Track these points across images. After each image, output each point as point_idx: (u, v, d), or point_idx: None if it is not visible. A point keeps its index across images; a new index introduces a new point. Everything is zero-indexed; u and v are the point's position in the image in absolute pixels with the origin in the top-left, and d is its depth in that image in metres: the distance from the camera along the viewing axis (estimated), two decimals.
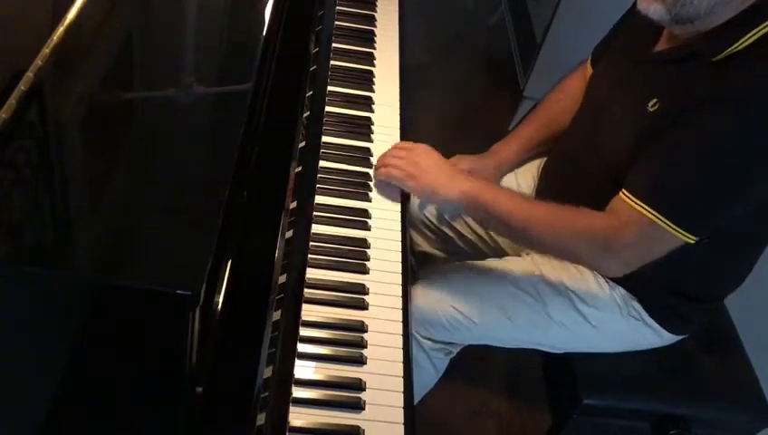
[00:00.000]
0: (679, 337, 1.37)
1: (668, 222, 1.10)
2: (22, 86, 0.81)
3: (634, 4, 1.19)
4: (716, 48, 1.09)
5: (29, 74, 0.82)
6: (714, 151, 1.08)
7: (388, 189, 1.30)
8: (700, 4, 1.07)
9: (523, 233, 1.23)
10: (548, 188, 1.44)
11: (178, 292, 0.68)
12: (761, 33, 1.07)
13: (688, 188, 1.11)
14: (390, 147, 1.34)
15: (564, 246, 1.22)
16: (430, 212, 1.54)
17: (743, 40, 1.07)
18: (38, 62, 0.84)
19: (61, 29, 0.89)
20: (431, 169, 1.26)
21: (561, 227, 1.19)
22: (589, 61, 1.47)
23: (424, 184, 1.26)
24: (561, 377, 1.43)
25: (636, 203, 1.11)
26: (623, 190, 1.15)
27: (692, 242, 1.12)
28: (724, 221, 1.14)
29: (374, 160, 1.35)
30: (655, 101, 1.15)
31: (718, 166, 1.09)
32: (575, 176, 1.33)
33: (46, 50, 0.86)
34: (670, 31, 1.19)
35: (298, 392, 0.98)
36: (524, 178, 1.53)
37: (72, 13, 0.92)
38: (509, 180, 1.54)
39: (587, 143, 1.31)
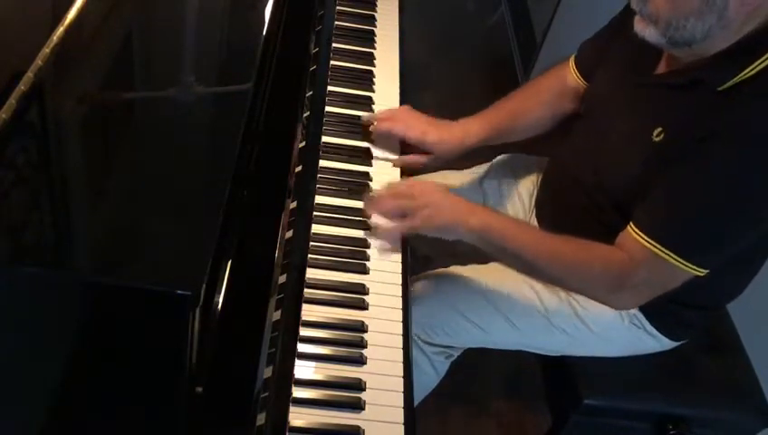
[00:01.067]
0: (680, 342, 1.37)
1: (680, 259, 1.10)
2: (22, 86, 0.81)
3: (626, 8, 1.18)
4: (722, 77, 1.07)
5: (29, 74, 0.82)
6: (723, 187, 1.08)
7: (388, 241, 1.22)
8: (694, 29, 1.05)
9: (534, 267, 1.23)
10: (547, 199, 1.44)
11: (178, 292, 0.68)
12: (766, 63, 1.05)
13: (699, 226, 1.11)
14: (385, 191, 1.25)
15: (577, 283, 1.23)
16: None
17: (749, 69, 1.05)
18: (38, 62, 0.84)
19: (61, 29, 0.89)
20: (444, 206, 1.19)
21: (574, 264, 1.19)
22: (572, 63, 1.44)
23: (441, 224, 1.19)
24: (560, 377, 1.43)
25: (646, 241, 1.11)
26: (633, 226, 1.14)
27: (701, 275, 1.12)
28: (736, 250, 1.15)
29: (374, 161, 1.34)
30: (660, 130, 1.14)
31: (728, 202, 1.09)
32: (574, 190, 1.32)
33: (46, 50, 0.86)
34: (670, 53, 1.17)
35: (298, 392, 0.98)
36: (525, 186, 1.53)
37: (72, 13, 0.92)
38: (510, 186, 1.54)
39: (587, 162, 1.29)
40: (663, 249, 1.10)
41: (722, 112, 1.07)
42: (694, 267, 1.11)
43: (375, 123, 1.38)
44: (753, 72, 1.05)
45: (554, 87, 1.46)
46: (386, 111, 1.41)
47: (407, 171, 1.37)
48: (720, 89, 1.07)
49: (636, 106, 1.21)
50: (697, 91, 1.11)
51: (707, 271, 1.12)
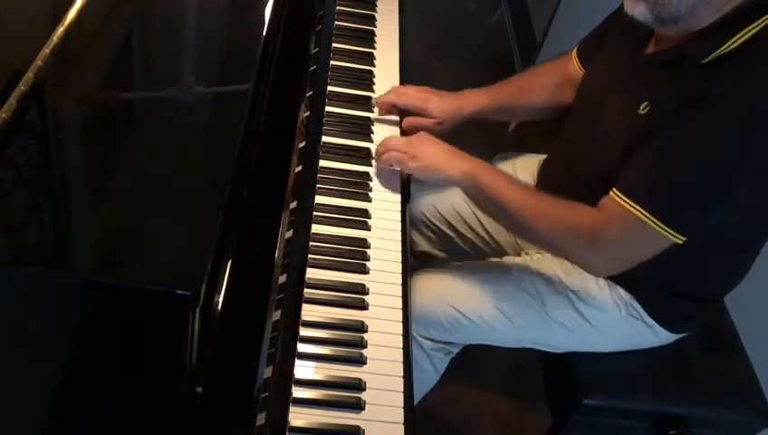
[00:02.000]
0: (679, 336, 1.38)
1: (655, 220, 1.10)
2: (22, 86, 0.81)
3: (622, 3, 1.19)
4: (704, 50, 1.09)
5: (29, 74, 0.82)
6: (701, 152, 1.09)
7: (388, 177, 1.31)
8: (680, 4, 1.07)
9: (517, 219, 1.23)
10: (544, 188, 1.44)
11: (178, 292, 0.68)
12: (749, 35, 1.07)
13: (676, 188, 1.12)
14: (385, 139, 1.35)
15: (552, 238, 1.23)
16: (430, 212, 1.54)
17: (731, 42, 1.07)
18: (38, 62, 0.84)
19: (61, 29, 0.89)
20: (431, 149, 1.28)
21: (552, 219, 1.20)
22: (574, 54, 1.47)
23: (425, 163, 1.27)
24: (560, 377, 1.43)
25: (623, 200, 1.12)
26: (613, 189, 1.15)
27: (680, 242, 1.12)
28: (714, 222, 1.15)
29: (374, 161, 1.35)
30: (645, 104, 1.16)
31: (706, 166, 1.09)
32: (569, 176, 1.33)
33: (46, 50, 0.86)
34: (658, 33, 1.20)
35: (298, 392, 0.98)
36: (524, 175, 1.53)
37: (72, 13, 0.92)
38: None
39: (580, 145, 1.31)
40: (638, 208, 1.10)
41: (704, 84, 1.09)
42: (670, 232, 1.10)
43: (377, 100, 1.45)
44: (734, 44, 1.07)
45: (557, 74, 1.49)
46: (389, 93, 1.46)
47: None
48: (703, 62, 1.09)
49: (624, 85, 1.23)
50: (682, 66, 1.13)
51: (685, 238, 1.11)
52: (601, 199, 1.17)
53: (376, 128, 1.42)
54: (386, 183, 1.31)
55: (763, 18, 1.07)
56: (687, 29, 1.12)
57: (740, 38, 1.07)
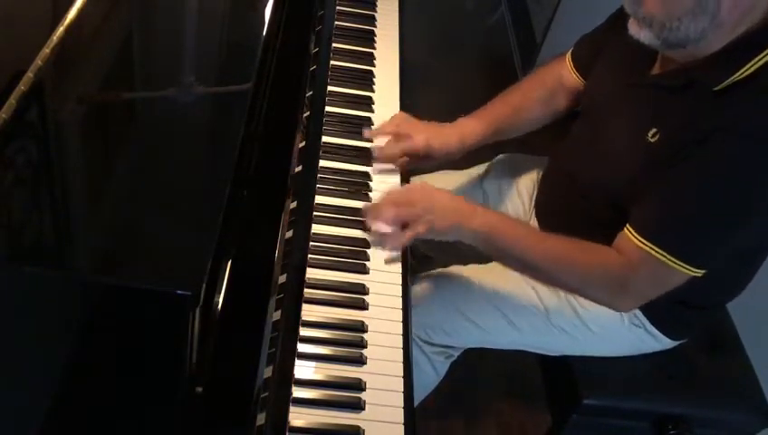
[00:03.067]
0: (680, 342, 1.38)
1: (677, 261, 1.10)
2: (22, 86, 0.81)
3: (623, 5, 1.18)
4: (717, 78, 1.07)
5: (29, 74, 0.82)
6: (717, 187, 1.08)
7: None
8: (688, 30, 1.05)
9: (535, 269, 1.22)
10: (546, 198, 1.44)
11: (178, 292, 0.68)
12: (762, 62, 1.05)
13: (694, 227, 1.11)
14: (383, 200, 1.21)
15: (578, 286, 1.22)
16: None
17: (744, 69, 1.05)
18: (38, 62, 0.84)
19: (61, 29, 0.89)
20: (446, 209, 1.18)
21: (575, 267, 1.19)
22: (568, 59, 1.45)
23: (443, 228, 1.17)
24: (560, 377, 1.43)
25: (644, 244, 1.11)
26: (629, 228, 1.14)
27: (700, 275, 1.12)
28: (731, 248, 1.15)
29: (374, 152, 1.33)
30: (655, 130, 1.14)
31: (722, 201, 1.09)
32: (572, 191, 1.32)
33: (46, 50, 0.86)
34: (665, 54, 1.17)
35: (298, 392, 0.98)
36: (525, 183, 1.53)
37: (72, 13, 0.92)
38: (509, 185, 1.54)
39: (584, 163, 1.30)
40: (660, 251, 1.10)
41: (717, 113, 1.07)
42: (691, 268, 1.11)
43: (376, 148, 1.35)
44: (747, 72, 1.06)
45: (550, 84, 1.46)
46: (384, 124, 1.38)
47: (406, 174, 1.36)
48: (715, 89, 1.08)
49: (631, 106, 1.21)
50: (692, 92, 1.11)
51: (705, 271, 1.12)
52: (618, 239, 1.15)
53: (376, 128, 1.41)
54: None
55: None
56: (696, 53, 1.10)
57: (753, 65, 1.05)
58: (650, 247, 1.11)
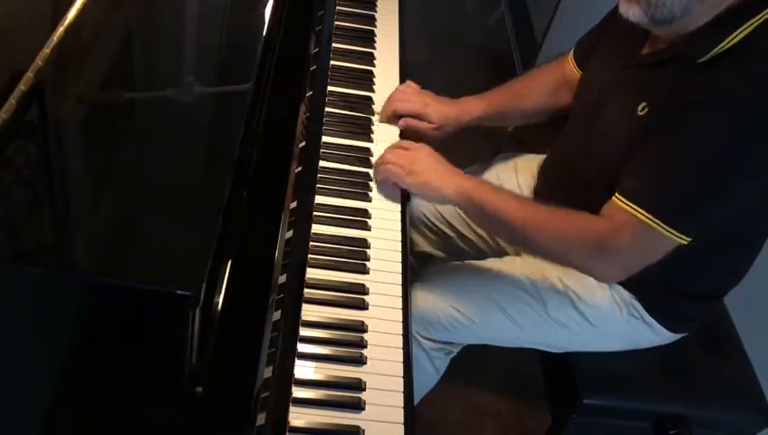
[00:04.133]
0: (679, 335, 1.38)
1: (662, 224, 1.10)
2: (22, 86, 0.81)
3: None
4: (700, 50, 1.09)
5: (29, 74, 0.82)
6: (702, 152, 1.09)
7: (388, 188, 1.30)
8: (673, 4, 1.07)
9: (518, 234, 1.23)
10: (544, 189, 1.44)
11: (178, 292, 0.68)
12: (744, 34, 1.07)
13: (680, 190, 1.12)
14: (390, 145, 1.34)
15: (559, 249, 1.22)
16: (430, 212, 1.54)
17: (727, 41, 1.07)
18: (38, 62, 0.84)
19: (61, 29, 0.89)
20: (430, 166, 1.27)
21: (557, 230, 1.19)
22: (571, 56, 1.47)
23: (423, 181, 1.26)
24: (560, 377, 1.43)
25: (629, 206, 1.12)
26: (616, 194, 1.15)
27: (685, 243, 1.12)
28: (718, 220, 1.15)
29: (374, 160, 1.35)
30: (644, 105, 1.16)
31: (707, 166, 1.09)
32: (569, 178, 1.33)
33: (46, 50, 0.86)
34: (654, 33, 1.20)
35: (298, 392, 0.98)
36: (524, 177, 1.53)
37: (72, 13, 0.92)
38: (509, 178, 1.54)
39: (580, 147, 1.31)
40: (646, 214, 1.10)
41: (702, 84, 1.09)
42: (677, 234, 1.10)
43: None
44: (731, 43, 1.07)
45: (554, 77, 1.49)
46: (389, 96, 1.46)
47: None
48: (700, 61, 1.10)
49: (624, 87, 1.23)
50: (679, 66, 1.13)
51: (690, 239, 1.11)
52: (604, 206, 1.16)
53: (376, 128, 1.42)
54: (386, 191, 1.31)
55: (759, 16, 1.07)
56: (682, 29, 1.12)
57: (736, 36, 1.07)
58: (635, 210, 1.11)
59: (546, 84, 1.49)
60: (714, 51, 1.08)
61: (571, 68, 1.47)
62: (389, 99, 1.45)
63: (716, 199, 1.12)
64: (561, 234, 1.19)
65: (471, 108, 1.47)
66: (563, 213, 1.19)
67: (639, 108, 1.16)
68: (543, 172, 1.48)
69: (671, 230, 1.10)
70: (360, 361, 1.04)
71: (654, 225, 1.10)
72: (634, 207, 1.11)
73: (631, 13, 1.12)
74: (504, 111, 1.49)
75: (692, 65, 1.11)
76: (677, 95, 1.11)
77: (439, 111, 1.44)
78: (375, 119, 1.43)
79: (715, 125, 1.07)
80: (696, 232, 1.12)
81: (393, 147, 1.33)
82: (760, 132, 1.07)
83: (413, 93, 1.46)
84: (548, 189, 1.43)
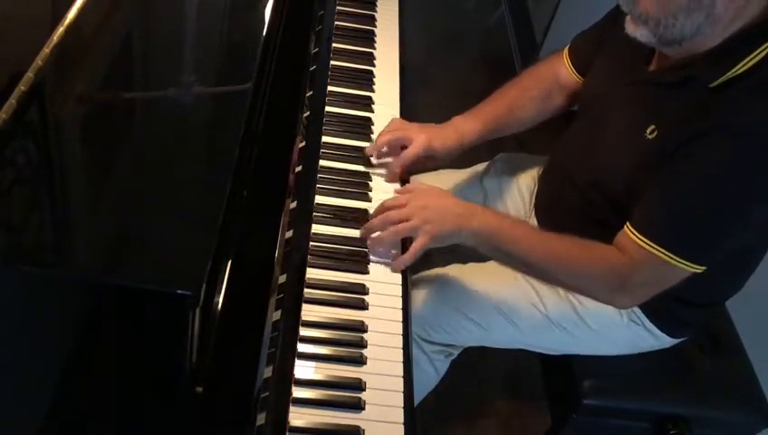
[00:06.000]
0: (679, 340, 1.37)
1: (677, 258, 1.11)
2: (22, 86, 0.81)
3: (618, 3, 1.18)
4: (713, 74, 1.08)
5: (29, 74, 0.82)
6: (716, 184, 1.08)
7: (383, 253, 1.19)
8: (683, 26, 1.05)
9: (534, 269, 1.24)
10: (545, 197, 1.44)
11: (178, 292, 0.68)
12: (758, 58, 1.05)
13: (694, 223, 1.12)
14: (377, 218, 1.18)
15: (578, 284, 1.24)
16: None
17: (740, 65, 1.06)
18: (38, 62, 0.84)
19: (61, 29, 0.89)
20: (445, 214, 1.16)
21: (575, 266, 1.20)
22: (565, 56, 1.45)
23: (445, 235, 1.16)
24: (560, 377, 1.43)
25: (645, 242, 1.11)
26: (629, 226, 1.14)
27: (700, 271, 1.13)
28: (731, 246, 1.16)
29: (374, 160, 1.34)
30: (653, 127, 1.14)
31: (722, 199, 1.09)
32: (571, 190, 1.32)
33: (46, 50, 0.86)
34: (662, 51, 1.18)
35: (298, 392, 0.98)
36: (525, 183, 1.53)
37: (72, 13, 0.92)
38: (510, 180, 1.54)
39: (582, 159, 1.30)
40: (660, 249, 1.11)
41: (714, 110, 1.07)
42: (691, 265, 1.11)
43: (374, 155, 1.34)
44: (744, 68, 1.06)
45: (547, 81, 1.46)
46: (382, 134, 1.36)
47: (406, 175, 1.36)
48: (712, 85, 1.08)
49: (629, 104, 1.22)
50: (689, 89, 1.12)
51: (705, 268, 1.12)
52: (618, 237, 1.16)
53: (376, 128, 1.41)
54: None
55: None
56: (693, 50, 1.10)
57: (749, 61, 1.05)
58: (652, 247, 1.11)
59: (537, 93, 1.45)
60: (726, 75, 1.06)
61: (566, 71, 1.44)
62: (388, 138, 1.33)
63: (730, 230, 1.13)
64: (581, 270, 1.20)
65: (470, 129, 1.38)
66: (581, 245, 1.18)
67: (648, 130, 1.15)
68: (543, 178, 1.47)
69: (686, 262, 1.11)
70: (360, 361, 1.04)
71: (671, 260, 1.11)
72: (650, 243, 1.11)
73: (639, 33, 1.10)
74: (499, 125, 1.43)
75: (703, 90, 1.09)
76: (689, 121, 1.09)
77: (442, 144, 1.34)
78: (374, 118, 1.43)
79: (729, 156, 1.06)
80: (711, 262, 1.13)
81: (385, 204, 1.19)
82: None
83: (410, 132, 1.33)
84: (547, 195, 1.43)
